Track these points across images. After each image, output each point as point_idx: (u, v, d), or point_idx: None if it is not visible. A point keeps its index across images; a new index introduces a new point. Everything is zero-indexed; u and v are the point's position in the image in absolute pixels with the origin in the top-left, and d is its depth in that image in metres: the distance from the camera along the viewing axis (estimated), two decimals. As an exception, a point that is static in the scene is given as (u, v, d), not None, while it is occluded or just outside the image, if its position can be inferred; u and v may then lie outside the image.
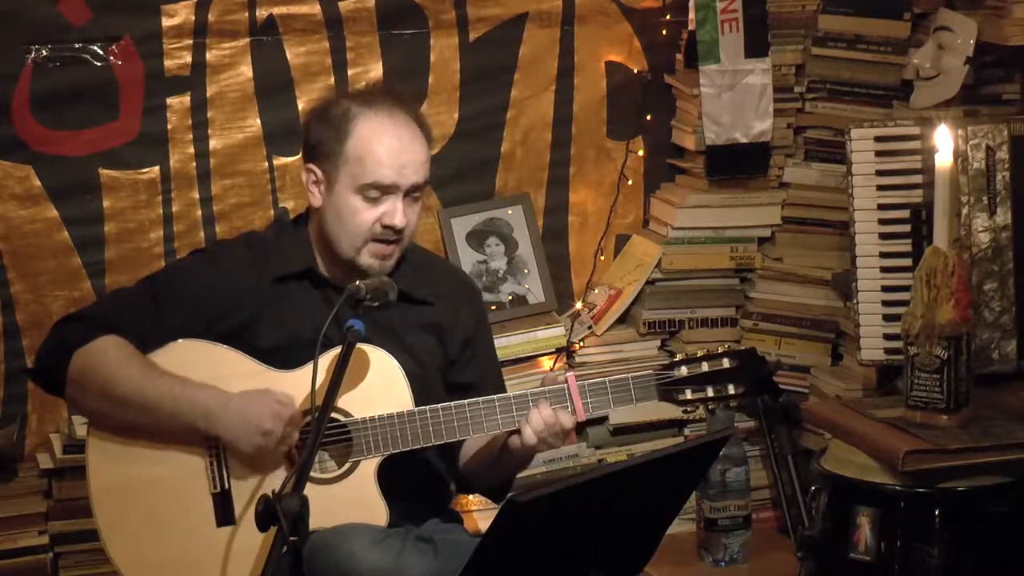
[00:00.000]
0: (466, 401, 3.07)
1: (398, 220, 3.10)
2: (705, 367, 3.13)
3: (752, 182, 4.34)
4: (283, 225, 3.31)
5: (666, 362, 3.18)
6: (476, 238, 4.27)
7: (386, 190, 3.10)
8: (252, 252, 3.21)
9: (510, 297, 4.28)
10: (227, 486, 3.06)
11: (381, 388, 3.08)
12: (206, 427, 3.01)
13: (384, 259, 3.14)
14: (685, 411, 3.31)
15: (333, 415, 3.03)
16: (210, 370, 3.06)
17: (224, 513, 3.06)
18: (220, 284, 3.15)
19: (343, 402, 3.05)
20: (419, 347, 3.20)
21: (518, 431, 3.06)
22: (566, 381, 3.09)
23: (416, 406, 3.08)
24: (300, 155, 3.92)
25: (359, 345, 2.99)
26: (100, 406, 3.07)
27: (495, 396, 3.09)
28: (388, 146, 3.11)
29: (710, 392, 3.13)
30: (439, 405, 3.07)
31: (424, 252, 3.37)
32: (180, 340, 3.09)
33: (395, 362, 3.09)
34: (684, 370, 3.13)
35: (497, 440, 3.14)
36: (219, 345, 3.09)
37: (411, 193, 3.13)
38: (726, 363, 3.14)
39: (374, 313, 3.06)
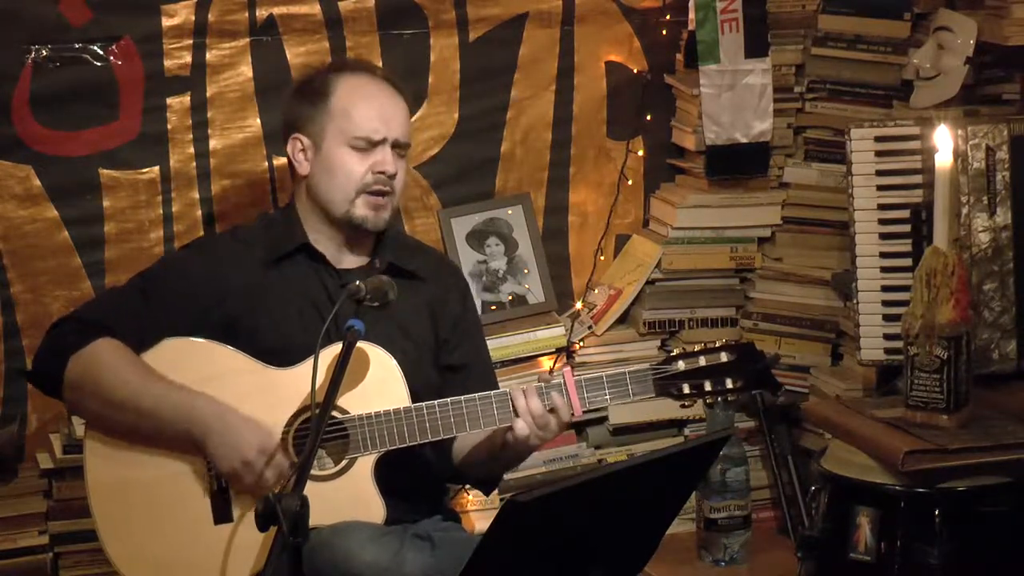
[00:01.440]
0: (463, 397, 3.08)
1: (389, 166, 3.16)
2: (702, 361, 3.13)
3: (752, 182, 4.34)
4: (269, 216, 3.34)
5: (663, 357, 3.19)
6: (476, 238, 4.27)
7: (375, 143, 3.16)
8: (241, 242, 3.24)
9: (510, 297, 4.28)
10: (224, 484, 3.07)
11: (377, 385, 3.08)
12: (198, 435, 3.02)
13: (378, 210, 3.18)
14: (683, 406, 3.31)
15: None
16: (204, 368, 3.07)
17: (221, 511, 3.06)
18: (211, 276, 3.17)
19: (340, 399, 3.05)
20: (415, 329, 3.22)
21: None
22: (563, 376, 3.09)
23: (412, 390, 3.08)
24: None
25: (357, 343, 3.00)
26: (97, 410, 3.08)
27: (491, 392, 3.09)
28: (373, 98, 3.20)
29: (707, 386, 3.13)
30: (436, 401, 3.07)
31: (411, 237, 3.46)
32: (173, 338, 3.10)
33: (392, 359, 3.10)
34: (681, 364, 3.13)
35: (495, 438, 3.15)
36: (215, 343, 3.10)
37: (396, 148, 3.17)
38: (723, 357, 3.14)
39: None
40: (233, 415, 3.02)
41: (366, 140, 3.16)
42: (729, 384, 3.13)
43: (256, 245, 3.22)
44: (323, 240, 3.23)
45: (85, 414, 3.15)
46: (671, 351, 4.02)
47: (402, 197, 3.29)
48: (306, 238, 3.22)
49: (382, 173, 3.16)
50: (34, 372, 3.19)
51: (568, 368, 3.16)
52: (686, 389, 3.13)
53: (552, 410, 3.05)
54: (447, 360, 3.27)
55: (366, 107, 3.18)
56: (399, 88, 3.27)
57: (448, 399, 3.08)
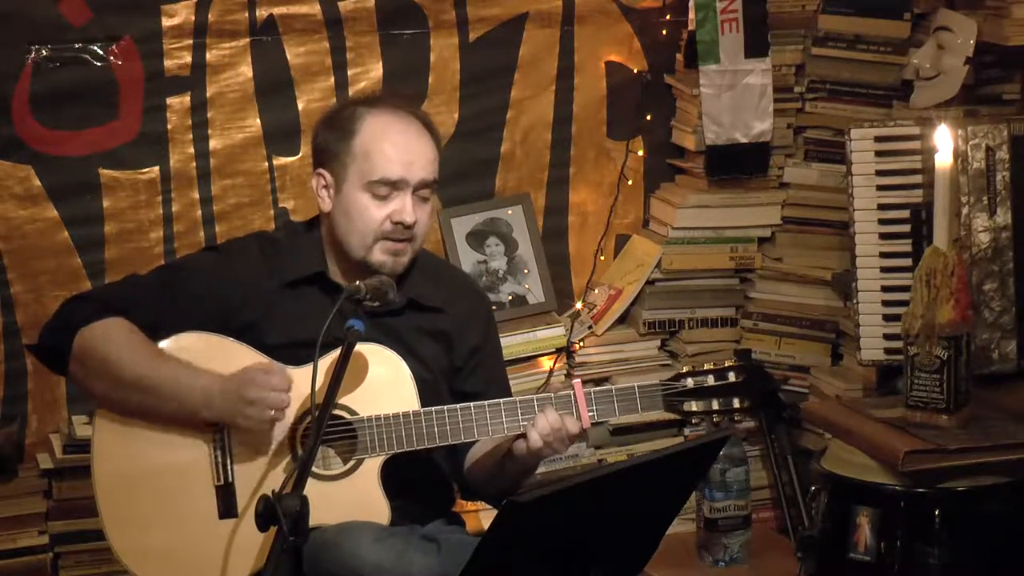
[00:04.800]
0: (472, 404, 3.08)
1: (407, 216, 3.11)
2: (711, 380, 3.14)
3: (752, 182, 4.34)
4: (294, 228, 3.32)
5: (672, 373, 3.19)
6: (476, 238, 4.27)
7: (395, 186, 3.11)
8: (264, 253, 3.22)
9: (510, 297, 4.28)
10: (231, 479, 3.07)
11: (387, 387, 3.08)
12: (208, 413, 3.02)
13: (397, 255, 3.14)
14: (690, 423, 3.31)
15: (339, 413, 3.04)
16: (216, 362, 3.07)
17: (226, 506, 3.06)
18: (232, 283, 3.16)
19: (349, 400, 3.05)
20: (427, 354, 3.20)
21: (523, 435, 3.06)
22: (572, 388, 3.10)
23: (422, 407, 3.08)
24: (300, 156, 3.92)
25: (367, 345, 2.99)
26: (102, 386, 3.07)
27: (501, 400, 3.08)
28: (394, 142, 3.12)
29: (715, 405, 3.13)
30: (445, 407, 3.07)
31: (433, 258, 3.37)
32: (187, 332, 3.10)
33: (402, 362, 3.09)
34: (690, 382, 3.13)
35: (501, 446, 3.15)
36: (226, 338, 3.10)
37: (420, 191, 3.13)
38: (732, 377, 3.14)
39: (384, 319, 3.09)
40: (227, 378, 3.01)
41: (386, 186, 3.12)
42: (736, 404, 3.14)
43: (277, 261, 3.20)
44: (340, 272, 3.20)
45: (89, 390, 3.13)
46: (673, 353, 4.04)
47: (425, 237, 3.22)
48: (322, 267, 3.19)
49: (400, 223, 3.13)
50: (40, 344, 3.18)
51: (578, 381, 3.16)
52: (694, 407, 3.13)
53: (565, 426, 3.05)
54: (462, 387, 3.26)
55: (389, 150, 3.11)
56: (427, 124, 3.21)
57: (457, 405, 3.08)
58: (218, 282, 3.16)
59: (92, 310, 3.09)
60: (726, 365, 3.15)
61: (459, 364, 3.25)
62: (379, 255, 3.13)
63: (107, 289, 3.24)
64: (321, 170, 3.17)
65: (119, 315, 3.08)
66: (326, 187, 3.16)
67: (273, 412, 3.00)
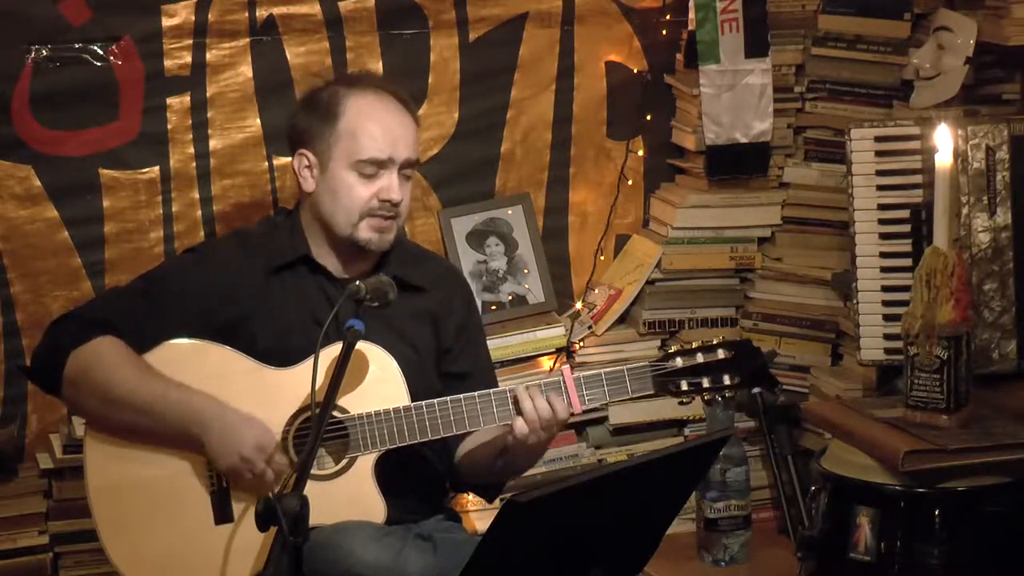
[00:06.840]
0: (462, 396, 3.08)
1: (395, 194, 3.14)
2: (700, 358, 3.14)
3: (752, 182, 4.34)
4: (272, 220, 3.34)
5: (661, 354, 3.19)
6: (476, 238, 4.27)
7: (381, 165, 3.15)
8: (244, 247, 3.23)
9: (510, 297, 4.28)
10: (225, 484, 3.07)
11: (377, 384, 3.09)
12: (196, 433, 3.03)
13: (383, 232, 3.17)
14: (681, 403, 3.30)
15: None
16: (206, 369, 3.07)
17: (222, 511, 3.07)
18: (214, 281, 3.17)
19: (340, 399, 3.05)
20: (415, 335, 3.22)
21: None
22: (561, 374, 3.10)
23: (413, 395, 3.08)
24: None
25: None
26: (96, 407, 3.08)
27: (491, 391, 3.09)
28: (380, 121, 3.16)
29: (705, 383, 3.14)
30: (435, 400, 3.07)
31: (414, 244, 3.42)
32: (175, 339, 3.10)
33: (391, 359, 3.10)
34: (679, 361, 3.14)
35: (495, 441, 3.15)
36: (214, 344, 3.10)
37: (404, 169, 3.16)
38: (721, 354, 3.15)
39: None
40: (231, 412, 3.03)
41: (373, 165, 3.14)
42: (727, 381, 3.14)
43: (258, 251, 3.22)
44: (324, 253, 3.22)
45: (84, 411, 3.15)
46: (669, 349, 4.04)
47: (407, 215, 3.26)
48: (307, 250, 3.21)
49: (387, 200, 3.15)
50: (33, 369, 3.20)
51: (567, 366, 3.16)
52: (684, 386, 3.14)
53: (552, 408, 3.05)
54: (449, 368, 3.27)
55: (374, 130, 3.15)
56: (407, 104, 3.24)
57: (447, 398, 3.08)
58: (198, 281, 3.17)
59: (81, 330, 3.10)
60: (715, 343, 3.16)
61: (447, 345, 3.26)
62: (365, 232, 3.15)
63: (91, 306, 3.25)
64: (303, 151, 3.20)
65: (107, 331, 3.09)
66: (309, 167, 3.19)
67: (251, 476, 3.02)
